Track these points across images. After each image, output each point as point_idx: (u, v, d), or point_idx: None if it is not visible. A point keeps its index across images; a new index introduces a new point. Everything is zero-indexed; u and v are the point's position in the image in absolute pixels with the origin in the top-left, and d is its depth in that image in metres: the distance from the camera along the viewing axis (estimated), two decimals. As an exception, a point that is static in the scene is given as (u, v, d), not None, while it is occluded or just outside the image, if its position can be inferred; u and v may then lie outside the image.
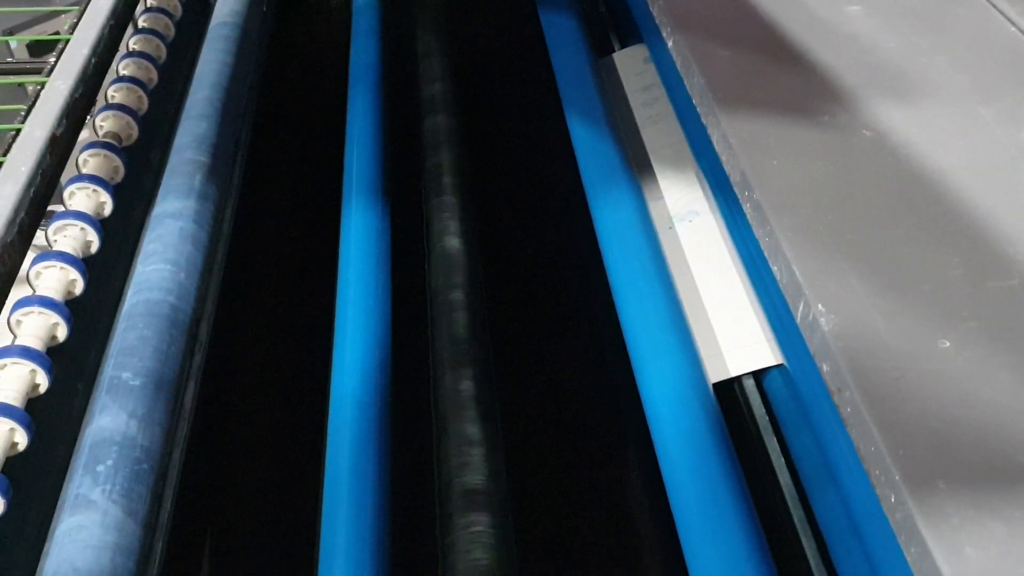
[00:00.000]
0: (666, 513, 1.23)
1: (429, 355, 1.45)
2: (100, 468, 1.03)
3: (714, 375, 1.34)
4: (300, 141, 2.13)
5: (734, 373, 1.33)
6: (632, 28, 2.01)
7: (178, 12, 1.90)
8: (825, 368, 1.02)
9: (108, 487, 1.01)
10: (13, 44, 2.67)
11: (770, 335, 1.34)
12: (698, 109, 1.42)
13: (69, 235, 1.32)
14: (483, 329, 1.49)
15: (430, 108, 1.94)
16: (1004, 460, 0.89)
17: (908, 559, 0.86)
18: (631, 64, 1.95)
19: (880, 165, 1.25)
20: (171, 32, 1.84)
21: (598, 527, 1.46)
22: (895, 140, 1.29)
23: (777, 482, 1.26)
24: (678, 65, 1.51)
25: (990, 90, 1.38)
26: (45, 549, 1.03)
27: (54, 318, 1.20)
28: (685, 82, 1.48)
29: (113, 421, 1.08)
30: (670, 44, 1.55)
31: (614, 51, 2.04)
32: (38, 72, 1.67)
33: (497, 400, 1.38)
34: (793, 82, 1.41)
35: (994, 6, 1.59)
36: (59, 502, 1.08)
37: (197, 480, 1.37)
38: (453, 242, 1.62)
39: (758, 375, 1.35)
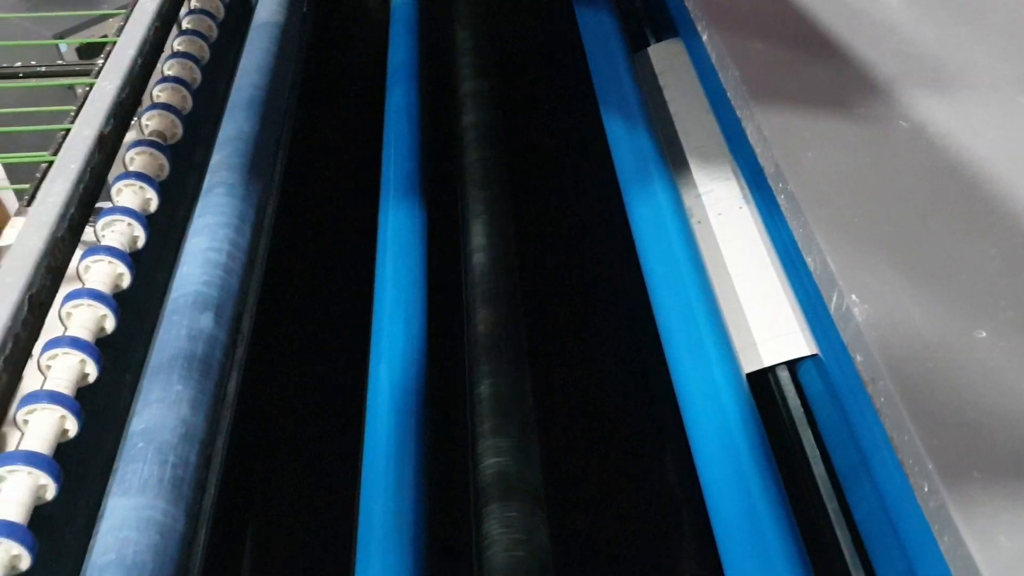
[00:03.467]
0: (700, 503, 1.23)
1: (465, 348, 1.47)
2: (146, 456, 1.06)
3: (748, 365, 1.34)
4: (339, 138, 2.16)
5: (768, 363, 1.33)
6: (667, 22, 2.02)
7: (220, 13, 1.94)
8: (859, 358, 1.02)
9: (154, 474, 1.04)
10: (64, 48, 2.74)
11: (804, 325, 1.34)
12: (733, 102, 1.42)
13: (117, 230, 1.36)
14: (518, 322, 1.50)
15: (467, 105, 1.96)
16: (1040, 451, 0.89)
17: (941, 548, 0.86)
18: (666, 58, 1.95)
19: (916, 156, 1.24)
20: (214, 33, 1.87)
21: (632, 518, 1.47)
22: (932, 131, 1.28)
23: (811, 473, 1.26)
24: (713, 58, 1.52)
25: (1030, 80, 1.37)
26: (93, 534, 1.06)
27: (102, 310, 1.24)
28: (720, 75, 1.48)
29: (159, 410, 1.11)
30: (705, 37, 1.55)
31: (649, 45, 2.04)
32: (87, 74, 1.72)
33: (532, 393, 1.40)
34: (828, 74, 1.40)
35: (1035, -4, 1.57)
36: (107, 488, 1.11)
37: (240, 468, 1.41)
38: (489, 237, 1.63)
39: (792, 365, 1.35)
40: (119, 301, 1.29)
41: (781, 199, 1.22)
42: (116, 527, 1.02)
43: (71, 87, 2.04)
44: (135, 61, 1.55)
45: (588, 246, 1.90)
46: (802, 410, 1.31)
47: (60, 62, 2.37)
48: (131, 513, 1.03)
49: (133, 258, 1.36)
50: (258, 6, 1.96)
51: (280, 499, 1.51)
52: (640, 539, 1.45)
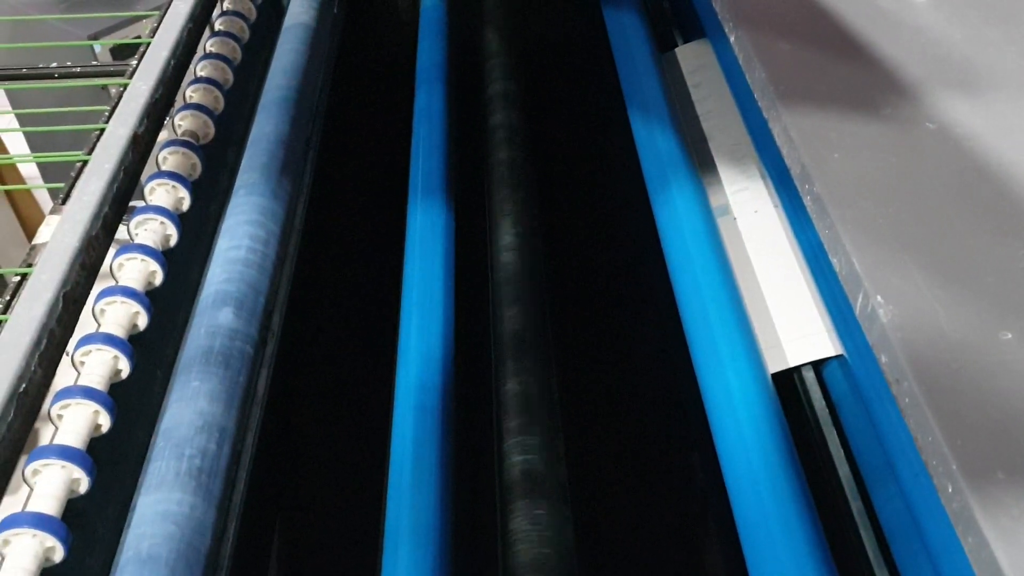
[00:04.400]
0: (725, 503, 1.24)
1: (491, 347, 1.49)
2: (177, 451, 1.08)
3: (773, 365, 1.34)
4: (368, 139, 2.18)
5: (793, 363, 1.33)
6: (695, 23, 2.02)
7: (252, 15, 1.96)
8: (884, 359, 1.02)
9: (184, 469, 1.06)
10: (98, 48, 2.79)
11: (830, 326, 1.34)
12: (759, 103, 1.42)
13: (149, 229, 1.39)
14: (545, 321, 1.51)
15: (495, 106, 1.97)
16: (1066, 453, 0.88)
17: (965, 549, 0.85)
18: (694, 59, 1.96)
19: (944, 158, 1.24)
20: (246, 34, 1.90)
21: (658, 517, 1.47)
22: (960, 132, 1.27)
23: (836, 473, 1.26)
24: (740, 59, 1.52)
25: (1061, 82, 1.36)
26: (125, 527, 1.09)
27: (135, 307, 1.26)
28: (747, 76, 1.48)
29: (189, 406, 1.13)
30: (732, 39, 1.55)
31: (677, 46, 2.04)
32: (120, 75, 1.74)
33: (558, 394, 1.41)
34: (855, 75, 1.40)
35: (1068, -4, 1.56)
36: (138, 483, 1.13)
37: (270, 463, 1.43)
38: (516, 237, 1.65)
39: (817, 366, 1.35)
40: (152, 298, 1.32)
41: (807, 200, 1.22)
42: (136, 524, 1.05)
43: (104, 87, 2.07)
44: (168, 62, 1.57)
45: (614, 246, 1.91)
46: (827, 411, 1.31)
47: (94, 63, 2.41)
48: (147, 509, 1.05)
49: (166, 256, 1.38)
50: (289, 8, 1.98)
51: (309, 494, 1.54)
52: (665, 539, 1.46)
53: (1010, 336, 0.99)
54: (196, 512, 1.03)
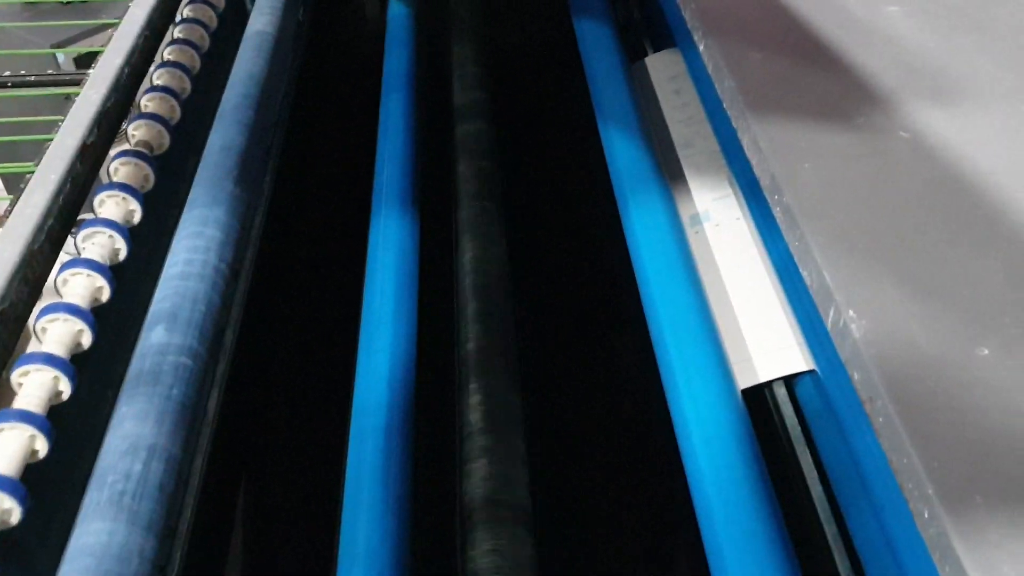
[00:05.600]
0: (694, 524, 1.19)
1: (455, 365, 1.44)
2: (100, 480, 1.02)
3: (744, 381, 1.30)
4: (332, 149, 2.13)
5: (764, 378, 1.29)
6: (665, 33, 1.99)
7: (213, 23, 1.91)
8: (856, 376, 0.99)
9: (106, 497, 1.00)
10: (61, 58, 2.72)
11: (801, 340, 1.30)
12: (729, 112, 1.39)
13: (97, 242, 1.33)
14: (512, 337, 1.46)
15: (463, 115, 1.93)
16: (1047, 474, 0.85)
17: (942, 578, 0.82)
18: (664, 68, 1.92)
19: (916, 168, 1.21)
20: (206, 42, 1.85)
21: (625, 540, 1.43)
22: (933, 142, 1.25)
23: (809, 494, 1.22)
24: (710, 69, 1.49)
25: (1034, 90, 1.34)
26: (63, 557, 1.03)
27: (79, 325, 1.20)
28: (716, 85, 1.45)
29: (134, 428, 1.07)
30: (702, 48, 1.52)
31: (647, 56, 2.01)
32: (78, 83, 1.69)
33: (524, 413, 1.36)
34: (827, 84, 1.37)
35: (1039, 5, 1.54)
36: (80, 510, 1.07)
37: (219, 488, 1.37)
38: (483, 249, 1.60)
39: (789, 382, 1.31)
40: (99, 315, 1.26)
41: (777, 211, 1.19)
42: (85, 550, 0.98)
43: (68, 97, 2.02)
44: (122, 70, 1.52)
45: (583, 258, 1.87)
46: (799, 428, 1.28)
47: (50, 71, 2.35)
48: (72, 545, 0.99)
49: (115, 271, 1.33)
50: (252, 15, 1.93)
51: (261, 521, 1.48)
52: (632, 561, 1.41)
53: (987, 352, 0.96)
54: (116, 538, 0.96)
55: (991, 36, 1.46)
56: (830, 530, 1.18)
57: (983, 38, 1.45)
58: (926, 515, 0.85)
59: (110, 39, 1.67)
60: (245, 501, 1.52)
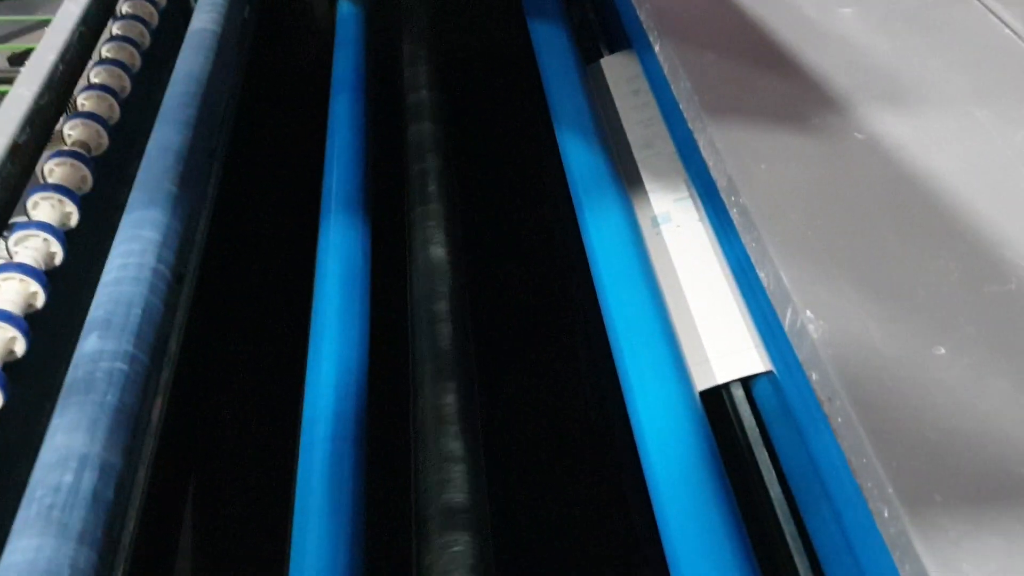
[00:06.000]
0: (653, 527, 1.17)
1: (409, 368, 1.40)
2: (48, 489, 0.97)
3: (701, 383, 1.29)
4: (280, 150, 2.09)
5: (721, 380, 1.28)
6: (621, 34, 1.98)
7: (154, 20, 1.86)
8: (814, 377, 0.98)
9: (34, 513, 0.95)
10: (-7, 55, 2.64)
11: (759, 341, 1.29)
12: (685, 114, 1.38)
13: (31, 246, 1.28)
14: (466, 340, 1.44)
15: (415, 115, 1.89)
16: (1003, 472, 0.85)
17: (903, 577, 0.81)
18: (619, 69, 1.91)
19: (872, 169, 1.21)
20: (146, 40, 1.80)
21: (582, 541, 1.41)
22: (888, 143, 1.25)
23: (768, 495, 1.21)
24: (665, 70, 1.48)
25: (985, 92, 1.35)
26: (-4, 574, 0.97)
27: (11, 332, 1.16)
28: (672, 87, 1.44)
29: (64, 439, 1.02)
30: (657, 49, 1.52)
31: (602, 57, 2.00)
32: (10, 81, 1.63)
33: (479, 414, 1.33)
34: (782, 85, 1.37)
35: (989, 9, 1.56)
36: (13, 524, 1.02)
37: (166, 498, 1.32)
38: (437, 251, 1.57)
39: (747, 383, 1.31)
40: (35, 322, 1.21)
41: (734, 213, 1.18)
42: (18, 568, 0.94)
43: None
44: (56, 66, 1.47)
45: (540, 261, 1.85)
46: (757, 430, 1.27)
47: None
48: (34, 552, 0.94)
49: (51, 276, 1.28)
50: (195, 12, 1.88)
51: (212, 528, 1.43)
52: (590, 565, 1.39)
53: (943, 351, 0.96)
54: (44, 553, 0.91)
55: (944, 38, 1.47)
56: (789, 531, 1.17)
57: (936, 40, 1.46)
58: (886, 514, 0.84)
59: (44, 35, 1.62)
60: (194, 511, 1.47)
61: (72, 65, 1.53)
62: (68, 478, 0.97)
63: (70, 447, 1.00)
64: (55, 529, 0.92)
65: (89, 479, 0.97)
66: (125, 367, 1.09)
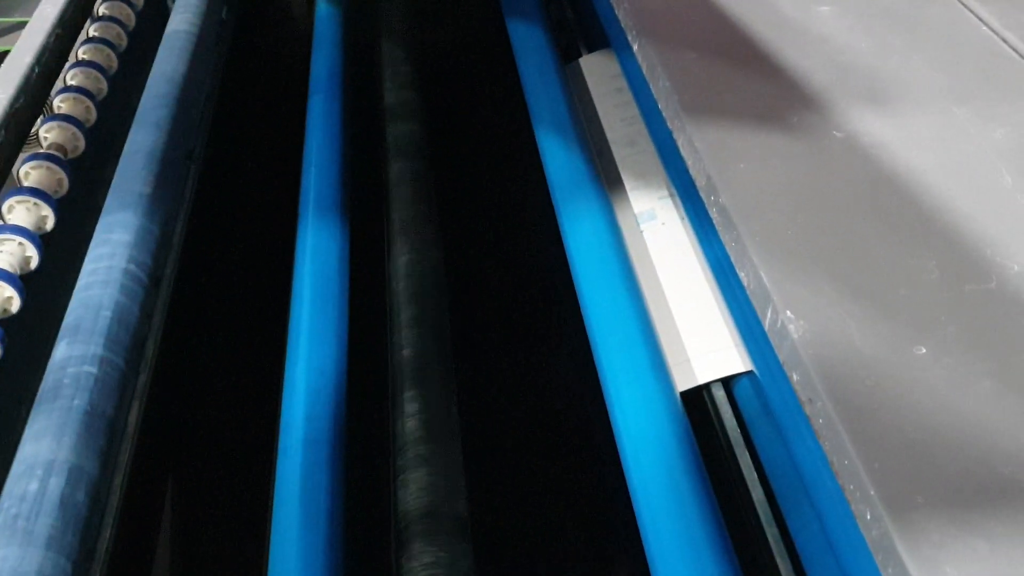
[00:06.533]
0: (634, 528, 1.17)
1: (388, 372, 1.39)
2: (14, 499, 0.95)
3: (682, 383, 1.28)
4: (258, 152, 2.07)
5: (702, 380, 1.28)
6: (599, 33, 1.97)
7: (132, 21, 1.84)
8: (795, 377, 0.98)
9: (20, 517, 0.94)
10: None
11: (739, 341, 1.29)
12: (664, 113, 1.38)
13: (6, 250, 1.26)
14: (446, 344, 1.43)
15: (393, 116, 1.88)
16: (985, 472, 0.85)
17: (886, 580, 0.81)
18: (598, 68, 1.91)
19: (852, 167, 1.21)
20: (123, 41, 1.78)
21: (564, 545, 1.40)
22: (867, 141, 1.25)
23: (750, 497, 1.21)
24: (644, 69, 1.47)
25: (964, 90, 1.35)
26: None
27: (-15, 337, 1.14)
28: (651, 86, 1.44)
29: (31, 448, 1.00)
30: (635, 48, 1.51)
31: (581, 56, 1.99)
32: (-14, 84, 1.60)
33: (459, 418, 1.32)
34: (761, 84, 1.37)
35: (966, 7, 1.56)
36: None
37: (144, 503, 1.31)
38: (416, 253, 1.56)
39: (728, 383, 1.30)
40: (9, 327, 1.20)
41: (713, 212, 1.18)
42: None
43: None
44: (32, 69, 1.45)
45: (519, 261, 1.84)
46: (739, 430, 1.26)
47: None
48: (7, 563, 0.92)
49: (26, 280, 1.26)
50: (172, 13, 1.86)
51: (186, 541, 1.41)
52: (572, 569, 1.39)
53: (924, 351, 0.96)
54: (7, 564, 0.89)
55: (923, 36, 1.47)
56: (771, 532, 1.17)
57: (915, 38, 1.46)
58: (868, 516, 0.84)
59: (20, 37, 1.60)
60: (172, 517, 1.46)
61: (48, 67, 1.51)
62: (33, 486, 0.96)
63: (36, 455, 0.98)
64: (19, 538, 0.91)
65: (56, 484, 0.96)
66: (93, 370, 1.07)
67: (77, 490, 0.96)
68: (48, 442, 0.99)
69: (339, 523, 1.18)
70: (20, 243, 1.28)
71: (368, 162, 1.85)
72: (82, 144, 1.51)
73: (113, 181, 1.41)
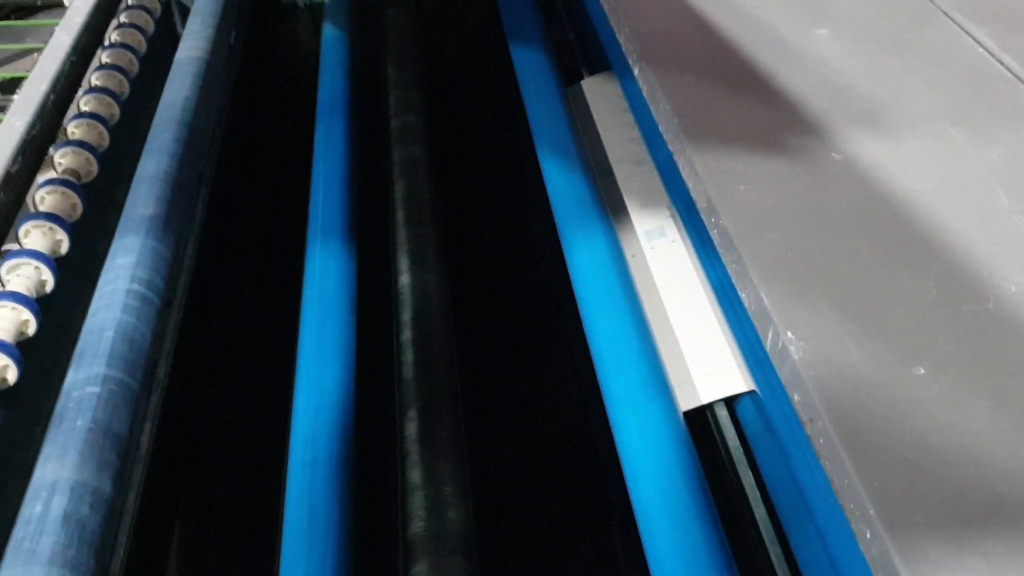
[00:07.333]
0: (639, 547, 1.19)
1: (395, 391, 1.41)
2: (21, 523, 0.98)
3: (685, 403, 1.30)
4: (267, 174, 2.10)
5: (705, 400, 1.30)
6: (601, 56, 2.00)
7: (143, 47, 1.87)
8: (796, 398, 0.99)
9: (26, 539, 0.96)
10: (-16, 82, 2.64)
11: (742, 362, 1.31)
12: (664, 136, 1.39)
13: (23, 274, 1.29)
14: (452, 363, 1.45)
15: (400, 139, 1.91)
16: (983, 491, 0.86)
17: (885, 597, 0.82)
18: (600, 91, 1.93)
19: (850, 189, 1.22)
20: (135, 68, 1.81)
21: (568, 562, 1.42)
22: (865, 163, 1.27)
23: (753, 515, 1.22)
24: (644, 92, 1.49)
25: (960, 111, 1.37)
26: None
27: (3, 360, 1.16)
28: (651, 108, 1.46)
29: (50, 469, 1.03)
30: (636, 71, 1.53)
31: (583, 79, 2.02)
32: (2, 110, 1.64)
33: (466, 437, 1.34)
34: (760, 107, 1.38)
35: (963, 28, 1.58)
36: (5, 552, 1.03)
37: (154, 525, 1.33)
38: (421, 274, 1.58)
39: (731, 403, 1.32)
40: (27, 349, 1.22)
41: (714, 233, 1.19)
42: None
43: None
44: (47, 96, 1.48)
45: (523, 281, 1.86)
46: (742, 450, 1.28)
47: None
48: None
49: (42, 303, 1.28)
50: (182, 39, 1.89)
51: (199, 557, 1.43)
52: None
53: (923, 371, 0.97)
54: None
55: (920, 57, 1.49)
56: (774, 551, 1.18)
57: (912, 59, 1.48)
58: (868, 535, 0.85)
59: (35, 64, 1.63)
60: (185, 533, 1.48)
61: (63, 94, 1.54)
62: (38, 508, 0.98)
63: (42, 479, 1.02)
64: (24, 558, 0.94)
65: (59, 503, 0.98)
66: (96, 389, 1.09)
67: (82, 506, 0.98)
68: (53, 465, 1.02)
69: (347, 540, 1.19)
70: (36, 267, 1.30)
71: (374, 183, 1.88)
72: (95, 169, 1.54)
73: (125, 204, 1.44)
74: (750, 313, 1.09)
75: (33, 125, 1.45)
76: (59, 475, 1.02)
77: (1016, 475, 0.87)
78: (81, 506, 0.99)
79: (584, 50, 2.20)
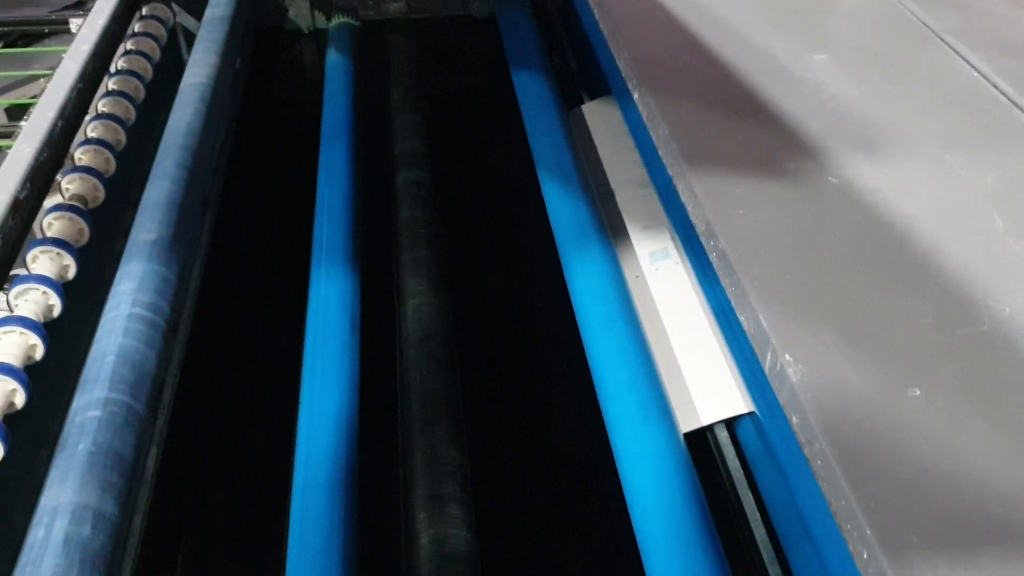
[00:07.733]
0: (640, 568, 1.19)
1: (399, 414, 1.43)
2: (35, 544, 0.99)
3: (686, 425, 1.31)
4: (272, 199, 2.12)
5: (706, 422, 1.31)
6: (601, 81, 2.02)
7: (149, 74, 1.90)
8: (795, 420, 1.00)
9: (43, 559, 0.97)
10: (-8, 109, 2.67)
11: (741, 383, 1.32)
12: (664, 159, 1.41)
13: (30, 299, 1.30)
14: (455, 386, 1.46)
15: (403, 163, 1.93)
16: (979, 512, 0.87)
17: (883, 617, 0.83)
18: (600, 115, 1.95)
19: (847, 212, 1.24)
20: (141, 94, 1.83)
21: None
22: (862, 187, 1.28)
23: (752, 536, 1.23)
24: (644, 116, 1.51)
25: (956, 135, 1.39)
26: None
27: (11, 384, 1.18)
28: (651, 133, 1.48)
29: (52, 494, 1.03)
30: (636, 96, 1.55)
31: (584, 103, 2.04)
32: (10, 136, 1.66)
33: (468, 459, 1.35)
34: (759, 131, 1.40)
35: (958, 53, 1.60)
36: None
37: (161, 547, 1.34)
38: (424, 299, 1.60)
39: (731, 424, 1.33)
40: (34, 373, 1.23)
41: (713, 256, 1.21)
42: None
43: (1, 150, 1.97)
44: (55, 123, 1.50)
45: (525, 305, 1.88)
46: (742, 470, 1.29)
47: (-20, 125, 2.30)
48: None
49: (49, 328, 1.30)
50: (188, 65, 1.92)
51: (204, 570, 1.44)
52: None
53: (918, 393, 0.99)
54: None
55: (915, 82, 1.51)
56: (773, 571, 1.19)
57: (908, 84, 1.51)
58: (865, 555, 0.86)
59: (43, 90, 1.65)
60: (191, 556, 1.48)
61: (70, 120, 1.56)
62: (40, 533, 0.99)
63: (45, 504, 1.02)
64: None
65: (60, 526, 0.98)
66: (98, 412, 1.10)
67: (83, 527, 0.99)
68: (55, 489, 1.03)
69: (351, 564, 1.20)
70: (44, 292, 1.32)
71: (378, 207, 1.90)
72: (102, 194, 1.56)
73: (132, 229, 1.45)
74: (749, 335, 1.11)
75: (41, 152, 1.47)
76: (60, 499, 1.03)
77: (1011, 496, 0.88)
78: (83, 528, 0.99)
79: (585, 75, 2.22)
